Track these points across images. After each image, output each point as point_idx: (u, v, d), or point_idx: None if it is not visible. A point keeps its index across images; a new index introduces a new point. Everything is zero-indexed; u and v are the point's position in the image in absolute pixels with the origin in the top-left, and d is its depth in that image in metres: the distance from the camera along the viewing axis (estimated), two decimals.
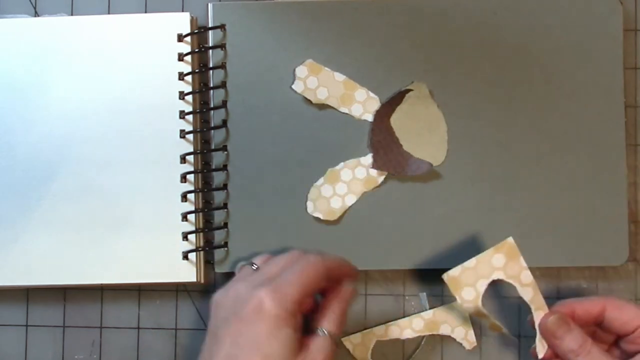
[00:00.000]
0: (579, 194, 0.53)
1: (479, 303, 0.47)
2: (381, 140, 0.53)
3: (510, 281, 0.47)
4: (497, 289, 0.53)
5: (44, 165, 0.54)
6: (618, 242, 0.53)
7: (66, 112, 0.54)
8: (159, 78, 0.54)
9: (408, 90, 0.53)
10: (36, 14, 0.57)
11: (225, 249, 0.53)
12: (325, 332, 0.45)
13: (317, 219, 0.53)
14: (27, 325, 0.56)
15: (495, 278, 0.47)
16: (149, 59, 0.54)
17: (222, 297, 0.45)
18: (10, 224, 0.53)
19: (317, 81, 0.54)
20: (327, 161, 0.53)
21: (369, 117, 0.54)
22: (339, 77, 0.54)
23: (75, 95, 0.54)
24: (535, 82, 0.53)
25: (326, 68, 0.54)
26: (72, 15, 0.56)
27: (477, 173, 0.53)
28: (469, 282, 0.47)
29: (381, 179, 0.53)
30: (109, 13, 0.56)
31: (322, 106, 0.54)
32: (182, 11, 0.56)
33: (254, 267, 0.47)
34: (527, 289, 0.47)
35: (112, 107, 0.54)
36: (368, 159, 0.53)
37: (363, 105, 0.54)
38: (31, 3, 0.57)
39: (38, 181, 0.53)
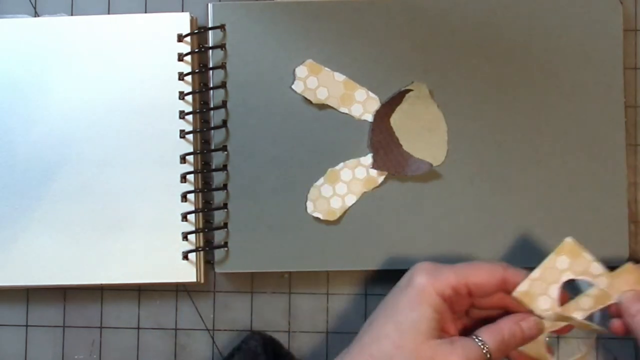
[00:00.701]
0: (579, 194, 0.53)
1: (558, 308, 0.46)
2: (381, 140, 0.53)
3: (581, 277, 0.46)
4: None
5: (44, 165, 0.54)
6: (618, 242, 0.53)
7: (66, 112, 0.54)
8: (159, 78, 0.54)
9: (408, 90, 0.53)
10: (36, 14, 0.57)
11: (225, 249, 0.53)
12: (480, 339, 0.43)
13: (317, 219, 0.53)
14: (27, 325, 0.56)
15: (566, 279, 0.46)
16: (149, 59, 0.54)
17: (415, 266, 0.45)
18: (10, 224, 0.53)
19: (317, 81, 0.54)
20: (327, 161, 0.53)
21: (369, 117, 0.54)
22: (339, 77, 0.54)
23: (75, 95, 0.54)
24: (535, 82, 0.53)
25: (326, 68, 0.54)
26: (72, 15, 0.56)
27: (477, 173, 0.53)
28: (540, 291, 0.45)
29: (381, 179, 0.53)
30: (109, 13, 0.56)
31: (322, 106, 0.54)
32: (182, 11, 0.56)
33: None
34: (601, 279, 0.46)
35: (112, 107, 0.54)
36: (368, 159, 0.53)
37: (363, 105, 0.54)
38: (31, 3, 0.57)
39: (38, 181, 0.53)
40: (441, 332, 0.43)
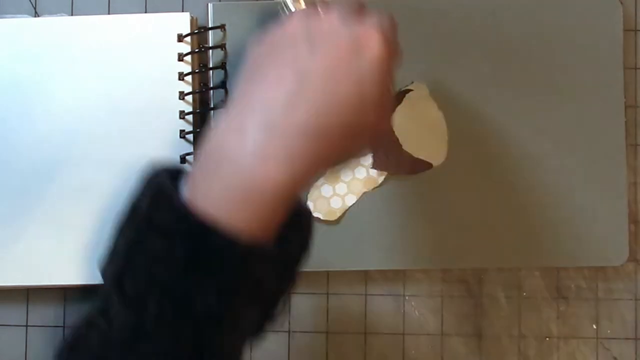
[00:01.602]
0: (579, 194, 0.53)
1: None
2: (381, 140, 0.53)
3: None
4: None
5: (44, 164, 0.54)
6: (618, 242, 0.53)
7: (66, 112, 0.54)
8: (159, 78, 0.54)
9: (408, 90, 0.53)
10: (36, 14, 0.57)
11: None
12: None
13: (317, 219, 0.53)
14: (27, 326, 0.56)
15: None
16: (149, 59, 0.54)
17: (300, 21, 0.38)
18: (10, 224, 0.53)
19: None
20: None
21: None
22: None
23: (75, 95, 0.54)
24: (535, 82, 0.53)
25: None
26: (72, 15, 0.56)
27: (477, 173, 0.53)
28: None
29: (381, 179, 0.53)
30: (109, 13, 0.56)
31: None
32: (182, 11, 0.55)
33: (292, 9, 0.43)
34: None
35: (112, 107, 0.54)
36: (368, 159, 0.53)
37: None
38: (31, 3, 0.57)
39: (38, 181, 0.53)
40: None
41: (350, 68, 0.37)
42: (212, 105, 0.54)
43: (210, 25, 0.54)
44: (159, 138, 0.53)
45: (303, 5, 0.44)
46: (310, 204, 0.53)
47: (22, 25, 0.54)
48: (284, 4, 0.46)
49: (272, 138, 0.36)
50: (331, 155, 0.37)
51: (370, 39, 0.38)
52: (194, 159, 0.38)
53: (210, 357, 0.35)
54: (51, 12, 0.56)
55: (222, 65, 0.54)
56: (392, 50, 0.39)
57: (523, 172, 0.53)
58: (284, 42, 0.38)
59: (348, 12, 0.39)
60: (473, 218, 0.53)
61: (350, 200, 0.53)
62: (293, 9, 0.45)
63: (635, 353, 0.54)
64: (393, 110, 0.40)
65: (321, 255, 0.53)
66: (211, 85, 0.54)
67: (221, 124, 0.37)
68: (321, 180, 0.53)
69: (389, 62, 0.38)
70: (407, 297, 0.55)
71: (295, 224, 0.38)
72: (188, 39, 0.54)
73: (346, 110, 0.37)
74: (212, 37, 0.54)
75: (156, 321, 0.35)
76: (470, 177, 0.53)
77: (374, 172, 0.53)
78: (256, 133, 0.36)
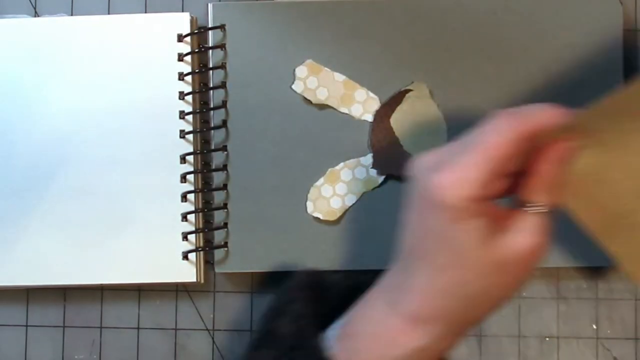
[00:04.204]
0: None
1: None
2: (381, 140, 0.53)
3: None
4: None
5: (44, 165, 0.54)
6: None
7: (66, 112, 0.54)
8: (159, 78, 0.54)
9: (408, 90, 0.53)
10: (36, 14, 0.57)
11: (225, 249, 0.53)
12: (534, 204, 0.37)
13: (317, 219, 0.53)
14: (27, 325, 0.56)
15: None
16: (149, 59, 0.54)
17: (417, 166, 0.38)
18: (10, 224, 0.53)
19: (317, 81, 0.54)
20: (327, 161, 0.53)
21: (369, 117, 0.54)
22: (339, 77, 0.54)
23: (75, 95, 0.54)
24: (535, 82, 0.53)
25: (326, 68, 0.54)
26: (72, 15, 0.56)
27: None
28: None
29: (381, 179, 0.53)
30: (109, 13, 0.56)
31: (322, 106, 0.54)
32: (182, 11, 0.56)
33: None
34: None
35: (112, 107, 0.54)
36: (368, 159, 0.53)
37: (363, 105, 0.54)
38: (31, 3, 0.57)
39: (38, 181, 0.53)
40: (495, 224, 0.36)
41: (429, 227, 0.37)
42: (212, 105, 0.54)
43: (210, 25, 0.54)
44: (159, 138, 0.53)
45: None
46: (310, 204, 0.53)
47: (22, 25, 0.54)
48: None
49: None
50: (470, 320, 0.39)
51: (436, 191, 0.36)
52: (348, 314, 0.41)
53: None
54: (51, 12, 0.56)
55: (222, 65, 0.54)
56: (467, 187, 0.35)
57: None
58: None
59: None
60: None
61: (350, 200, 0.53)
62: None
63: (635, 353, 0.54)
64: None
65: (321, 255, 0.53)
66: (211, 85, 0.54)
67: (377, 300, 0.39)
68: (321, 180, 0.53)
69: (463, 206, 0.35)
70: None
71: None
72: (188, 39, 0.54)
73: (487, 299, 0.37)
74: (212, 37, 0.54)
75: None
76: None
77: (374, 172, 0.53)
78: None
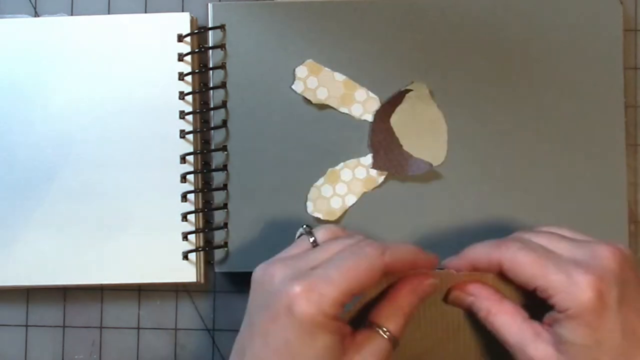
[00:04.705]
0: (579, 194, 0.53)
1: None
2: (381, 140, 0.53)
3: None
4: None
5: (44, 165, 0.54)
6: (618, 242, 0.53)
7: (66, 112, 0.54)
8: (159, 78, 0.54)
9: (408, 90, 0.53)
10: (36, 14, 0.57)
11: (225, 249, 0.53)
12: (384, 330, 0.39)
13: (317, 219, 0.53)
14: (27, 325, 0.56)
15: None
16: (149, 59, 0.54)
17: (261, 275, 0.39)
18: (10, 224, 0.53)
19: (317, 81, 0.54)
20: (327, 161, 0.53)
21: (369, 117, 0.54)
22: (339, 77, 0.54)
23: (75, 96, 0.54)
24: (535, 82, 0.53)
25: (326, 68, 0.54)
26: (72, 15, 0.56)
27: (477, 173, 0.53)
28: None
29: (381, 179, 0.53)
30: (109, 13, 0.56)
31: (322, 106, 0.54)
32: (182, 11, 0.56)
33: (311, 240, 0.41)
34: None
35: (112, 107, 0.54)
36: (368, 159, 0.53)
37: (363, 105, 0.54)
38: (31, 3, 0.57)
39: (38, 181, 0.53)
40: (344, 342, 0.38)
41: (275, 340, 0.37)
42: (212, 105, 0.54)
43: (210, 25, 0.54)
44: (159, 138, 0.53)
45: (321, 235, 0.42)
46: (310, 204, 0.53)
47: (22, 25, 0.54)
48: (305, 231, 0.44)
49: None
50: None
51: (292, 302, 0.36)
52: None
53: None
54: (51, 12, 0.56)
55: (222, 65, 0.54)
56: (325, 304, 0.36)
57: (523, 172, 0.53)
58: (260, 290, 0.40)
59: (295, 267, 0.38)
60: (473, 218, 0.53)
61: (350, 200, 0.53)
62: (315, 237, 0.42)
63: None
64: None
65: None
66: (211, 85, 0.54)
67: None
68: (321, 180, 0.53)
69: (320, 321, 0.36)
70: None
71: None
72: (188, 39, 0.54)
73: None
74: (212, 37, 0.54)
75: None
76: (470, 177, 0.53)
77: (374, 172, 0.53)
78: None
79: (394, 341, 0.39)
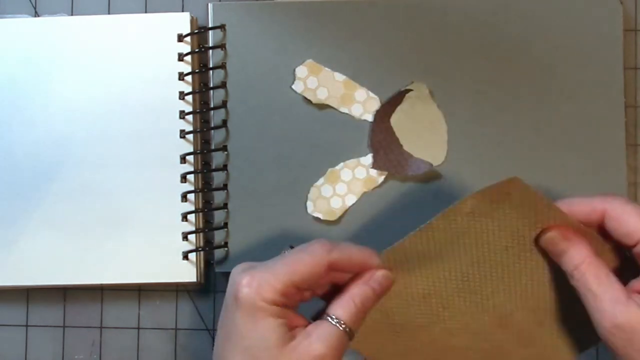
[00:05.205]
0: (579, 193, 0.53)
1: None
2: (381, 140, 0.53)
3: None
4: None
5: (44, 165, 0.54)
6: None
7: (66, 112, 0.54)
8: (159, 78, 0.54)
9: (408, 90, 0.53)
10: (36, 14, 0.57)
11: (225, 249, 0.53)
12: (334, 318, 0.40)
13: (317, 219, 0.53)
14: (27, 325, 0.56)
15: None
16: (149, 59, 0.54)
17: (232, 275, 0.41)
18: (10, 224, 0.53)
19: (317, 81, 0.54)
20: (327, 161, 0.54)
21: (369, 117, 0.54)
22: (339, 77, 0.54)
23: (75, 95, 0.54)
24: (535, 82, 0.53)
25: (326, 68, 0.54)
26: (72, 15, 0.56)
27: (477, 173, 0.53)
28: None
29: (381, 179, 0.53)
30: (109, 13, 0.56)
31: (322, 106, 0.54)
32: (182, 11, 0.56)
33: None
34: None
35: (112, 107, 0.54)
36: (368, 159, 0.53)
37: (363, 105, 0.54)
38: (31, 3, 0.57)
39: (38, 181, 0.53)
40: (293, 330, 0.40)
41: (226, 325, 0.40)
42: (212, 105, 0.54)
43: (210, 25, 0.54)
44: (159, 138, 0.53)
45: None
46: (310, 204, 0.53)
47: (22, 25, 0.54)
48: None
49: None
50: None
51: (237, 289, 0.39)
52: None
53: None
54: (51, 12, 0.56)
55: (222, 65, 0.54)
56: (264, 290, 0.39)
57: (523, 172, 0.53)
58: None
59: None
60: None
61: (350, 200, 0.53)
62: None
63: None
64: None
65: None
66: (211, 85, 0.54)
67: None
68: (321, 180, 0.53)
69: (259, 305, 0.39)
70: None
71: None
72: (188, 39, 0.54)
73: None
74: (212, 37, 0.54)
75: None
76: (470, 177, 0.53)
77: (374, 172, 0.53)
78: None
79: (347, 330, 0.40)
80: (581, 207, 0.41)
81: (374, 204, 0.53)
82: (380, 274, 0.42)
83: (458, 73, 0.54)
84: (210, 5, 0.54)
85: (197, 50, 0.54)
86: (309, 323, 0.41)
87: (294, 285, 0.39)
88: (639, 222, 0.39)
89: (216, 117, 0.54)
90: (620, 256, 0.42)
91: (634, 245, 0.40)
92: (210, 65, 0.54)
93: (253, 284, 0.39)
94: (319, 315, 0.41)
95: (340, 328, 0.40)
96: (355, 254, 0.41)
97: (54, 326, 0.56)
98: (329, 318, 0.40)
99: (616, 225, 0.40)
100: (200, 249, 0.53)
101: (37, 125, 0.54)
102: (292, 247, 0.43)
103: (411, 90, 0.53)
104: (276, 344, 0.38)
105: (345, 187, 0.53)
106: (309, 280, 0.40)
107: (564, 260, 0.41)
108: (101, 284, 0.54)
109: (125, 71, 0.54)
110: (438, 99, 0.54)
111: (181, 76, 0.53)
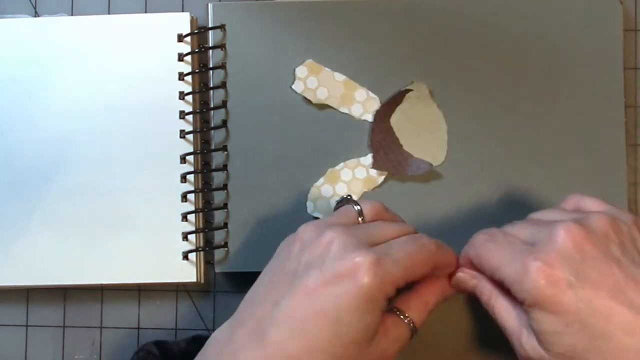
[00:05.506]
0: (578, 193, 0.53)
1: None
2: (381, 140, 0.53)
3: None
4: None
5: (44, 165, 0.54)
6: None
7: (66, 112, 0.54)
8: (159, 78, 0.54)
9: (408, 90, 0.53)
10: (36, 14, 0.57)
11: (225, 249, 0.53)
12: (407, 317, 0.39)
13: (317, 219, 0.53)
14: (27, 325, 0.56)
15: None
16: (149, 59, 0.54)
17: (313, 236, 0.39)
18: (10, 224, 0.53)
19: (317, 81, 0.54)
20: (327, 161, 0.53)
21: (369, 117, 0.54)
22: (339, 77, 0.54)
23: (75, 95, 0.54)
24: (535, 82, 0.53)
25: (326, 68, 0.54)
26: (72, 15, 0.56)
27: (477, 173, 0.53)
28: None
29: (381, 179, 0.53)
30: (109, 13, 0.56)
31: (322, 106, 0.54)
32: (182, 11, 0.56)
33: (357, 209, 0.41)
34: None
35: (112, 107, 0.54)
36: (368, 159, 0.53)
37: (363, 105, 0.54)
38: (31, 3, 0.57)
39: (38, 181, 0.53)
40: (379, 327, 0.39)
41: (323, 302, 0.36)
42: (212, 105, 0.54)
43: (210, 25, 0.54)
44: (159, 138, 0.53)
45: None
46: (310, 204, 0.53)
47: (22, 25, 0.54)
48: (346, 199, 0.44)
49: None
50: None
51: (357, 270, 0.36)
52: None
53: None
54: (51, 12, 0.56)
55: (222, 65, 0.54)
56: (388, 283, 0.37)
57: (523, 172, 0.53)
58: (284, 252, 0.40)
59: (357, 237, 0.38)
60: (473, 218, 0.53)
61: None
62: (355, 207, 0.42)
63: None
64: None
65: None
66: (211, 85, 0.54)
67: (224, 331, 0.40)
68: (321, 180, 0.53)
69: (377, 297, 0.37)
70: None
71: None
72: (188, 39, 0.54)
73: (316, 350, 0.36)
74: (212, 37, 0.54)
75: None
76: (470, 177, 0.53)
77: (374, 172, 0.53)
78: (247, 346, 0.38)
79: (414, 332, 0.40)
80: (463, 258, 0.42)
81: None
82: (450, 286, 0.42)
83: (458, 73, 0.54)
84: (210, 5, 0.54)
85: (197, 50, 0.54)
86: None
87: (407, 280, 0.38)
88: (489, 263, 0.39)
89: (216, 117, 0.54)
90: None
91: (502, 281, 0.39)
92: (210, 65, 0.54)
93: (378, 272, 0.36)
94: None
95: (411, 329, 0.40)
96: (450, 253, 0.42)
97: (54, 326, 0.56)
98: (406, 320, 0.39)
99: (480, 269, 0.41)
100: (200, 249, 0.53)
101: (36, 126, 0.54)
102: (349, 196, 0.42)
103: (411, 90, 0.53)
104: (369, 338, 0.37)
105: (345, 187, 0.53)
106: (419, 277, 0.39)
107: (476, 297, 0.42)
108: (101, 284, 0.54)
109: (125, 71, 0.54)
110: (438, 99, 0.54)
111: (181, 76, 0.53)
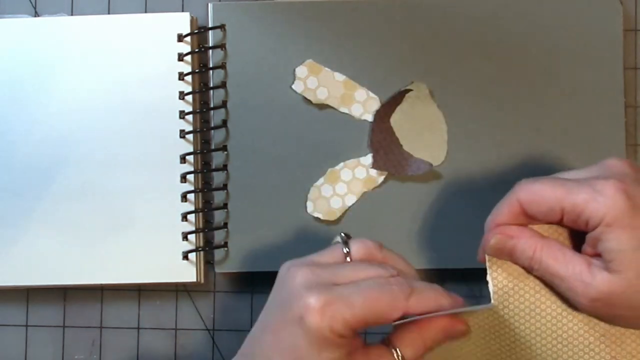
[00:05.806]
0: None
1: None
2: (381, 140, 0.53)
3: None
4: None
5: (44, 165, 0.54)
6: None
7: (66, 112, 0.54)
8: (159, 78, 0.54)
9: (408, 90, 0.53)
10: (36, 14, 0.57)
11: (225, 249, 0.53)
12: (400, 354, 0.39)
13: (317, 219, 0.53)
14: (27, 325, 0.56)
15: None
16: (149, 59, 0.54)
17: (284, 274, 0.39)
18: (10, 224, 0.53)
19: (317, 81, 0.54)
20: (327, 161, 0.54)
21: (369, 117, 0.54)
22: (339, 77, 0.54)
23: (75, 95, 0.54)
24: (535, 82, 0.53)
25: (326, 68, 0.54)
26: (72, 15, 0.56)
27: (477, 173, 0.53)
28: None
29: (381, 179, 0.53)
30: (109, 13, 0.56)
31: (322, 106, 0.54)
32: (182, 11, 0.56)
33: (345, 251, 0.40)
34: None
35: (112, 107, 0.54)
36: (368, 159, 0.53)
37: (363, 105, 0.54)
38: (31, 3, 0.57)
39: (38, 181, 0.53)
40: (353, 355, 0.38)
41: (284, 341, 0.38)
42: (212, 105, 0.54)
43: (210, 25, 0.54)
44: (159, 138, 0.53)
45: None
46: (310, 204, 0.53)
47: (22, 25, 0.54)
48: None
49: None
50: None
51: (307, 310, 0.37)
52: None
53: None
54: (51, 12, 0.56)
55: (222, 65, 0.54)
56: (339, 323, 0.37)
57: (523, 172, 0.53)
58: (274, 287, 0.41)
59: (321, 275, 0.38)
60: (473, 218, 0.53)
61: (350, 200, 0.53)
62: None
63: None
64: None
65: None
66: (211, 85, 0.54)
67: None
68: (321, 180, 0.53)
69: (329, 337, 0.37)
70: None
71: None
72: (188, 39, 0.54)
73: None
74: (212, 37, 0.54)
75: None
76: (470, 177, 0.53)
77: (374, 172, 0.53)
78: None
79: None
80: (502, 215, 0.40)
81: (374, 204, 0.53)
82: (460, 329, 0.40)
83: (458, 73, 0.54)
84: (210, 5, 0.54)
85: (197, 50, 0.54)
86: (365, 343, 0.39)
87: (366, 322, 0.37)
88: (553, 194, 0.37)
89: (216, 117, 0.54)
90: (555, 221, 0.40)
91: (561, 220, 0.38)
92: (210, 65, 0.54)
93: (327, 313, 0.36)
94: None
95: None
96: (431, 302, 0.39)
97: (54, 326, 0.56)
98: (395, 353, 0.39)
99: (536, 208, 0.38)
100: (200, 249, 0.53)
101: (36, 125, 0.54)
102: (345, 236, 0.41)
103: (411, 90, 0.53)
104: None
105: (345, 187, 0.53)
106: (381, 322, 0.38)
107: (517, 258, 0.39)
108: (101, 284, 0.54)
109: (125, 71, 0.54)
110: (438, 99, 0.54)
111: (181, 76, 0.53)
